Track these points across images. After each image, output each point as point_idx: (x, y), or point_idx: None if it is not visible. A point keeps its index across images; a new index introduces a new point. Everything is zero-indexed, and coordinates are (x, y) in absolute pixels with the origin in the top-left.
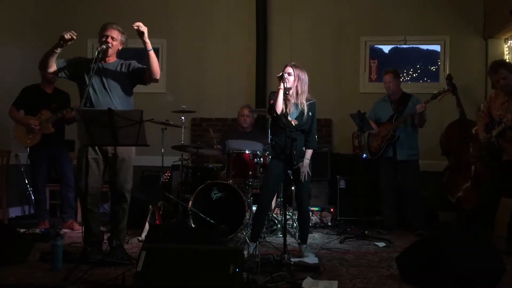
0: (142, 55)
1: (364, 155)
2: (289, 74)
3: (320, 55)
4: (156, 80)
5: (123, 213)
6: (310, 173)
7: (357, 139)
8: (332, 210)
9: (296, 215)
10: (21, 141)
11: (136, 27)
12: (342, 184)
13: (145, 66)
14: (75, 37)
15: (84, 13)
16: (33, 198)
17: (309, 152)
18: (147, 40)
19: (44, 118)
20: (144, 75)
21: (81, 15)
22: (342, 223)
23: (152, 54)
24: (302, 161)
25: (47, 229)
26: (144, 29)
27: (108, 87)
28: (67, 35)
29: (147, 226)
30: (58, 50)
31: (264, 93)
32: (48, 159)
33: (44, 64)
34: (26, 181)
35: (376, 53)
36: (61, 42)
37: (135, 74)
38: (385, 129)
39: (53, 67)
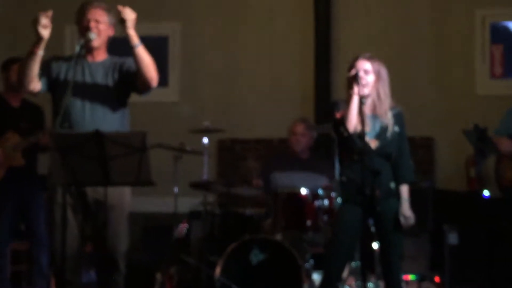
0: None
1: (486, 192)
2: (366, 72)
3: (414, 41)
4: (150, 88)
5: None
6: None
7: (474, 167)
8: (437, 279)
9: (382, 287)
10: None
11: (119, 11)
12: (452, 238)
13: None
14: (50, 14)
15: None
16: None
17: (405, 190)
18: (131, 32)
19: (11, 144)
20: (137, 81)
21: None
22: None
23: (140, 51)
24: (395, 203)
25: None
26: (129, 15)
27: (95, 98)
28: (43, 18)
29: None
30: (41, 50)
31: (327, 101)
32: (14, 205)
33: (25, 78)
34: None
35: (500, 34)
36: (40, 33)
37: (125, 79)
38: None
39: (36, 83)
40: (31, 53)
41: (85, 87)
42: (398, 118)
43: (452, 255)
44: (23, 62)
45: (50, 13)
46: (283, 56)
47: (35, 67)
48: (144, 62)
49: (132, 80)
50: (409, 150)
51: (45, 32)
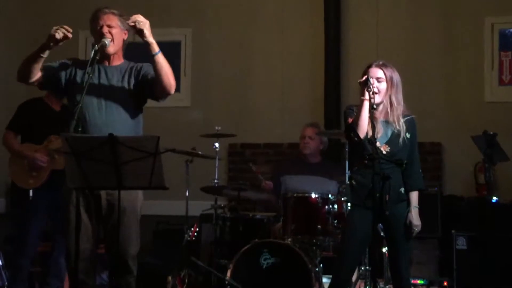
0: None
1: (495, 198)
2: (378, 79)
3: (423, 48)
4: (168, 95)
5: None
6: (418, 228)
7: (483, 173)
8: (445, 283)
9: None
10: (20, 181)
11: (132, 24)
12: (460, 243)
13: None
14: (70, 36)
15: None
16: (1, 263)
17: (415, 196)
18: (151, 40)
19: (54, 147)
20: (155, 88)
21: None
22: None
23: (160, 59)
24: (404, 208)
25: None
26: (143, 24)
27: (110, 101)
28: (58, 33)
29: None
30: (45, 54)
31: (337, 107)
32: (49, 208)
33: (25, 74)
34: None
35: (509, 41)
36: (50, 43)
37: (143, 85)
38: None
39: (36, 76)
40: (36, 55)
41: (100, 91)
42: (410, 125)
43: (461, 260)
44: (27, 61)
45: (69, 34)
46: (294, 61)
47: (38, 66)
48: (163, 69)
49: (149, 86)
50: (419, 158)
51: (54, 45)
